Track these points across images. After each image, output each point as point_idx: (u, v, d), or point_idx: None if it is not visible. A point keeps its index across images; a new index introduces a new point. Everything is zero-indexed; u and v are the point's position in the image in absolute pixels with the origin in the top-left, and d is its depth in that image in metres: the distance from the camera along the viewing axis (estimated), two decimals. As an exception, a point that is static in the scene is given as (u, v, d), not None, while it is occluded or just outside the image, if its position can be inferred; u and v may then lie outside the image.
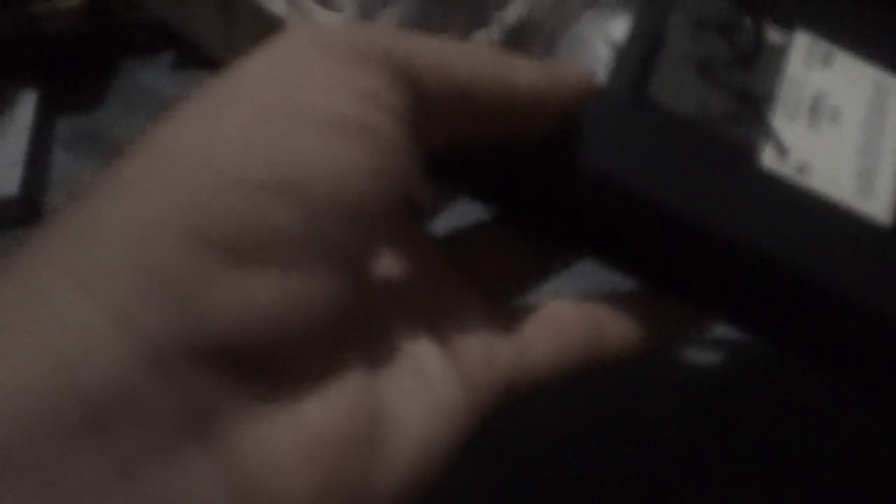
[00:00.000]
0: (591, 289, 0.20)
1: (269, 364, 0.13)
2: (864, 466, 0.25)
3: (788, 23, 0.21)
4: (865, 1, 0.22)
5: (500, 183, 0.20)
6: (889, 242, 0.19)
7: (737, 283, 0.19)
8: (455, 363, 0.17)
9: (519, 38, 0.21)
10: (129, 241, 0.12)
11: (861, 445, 0.25)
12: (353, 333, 0.15)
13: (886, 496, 0.24)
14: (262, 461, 0.13)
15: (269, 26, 0.24)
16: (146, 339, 0.12)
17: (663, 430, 0.25)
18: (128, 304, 0.12)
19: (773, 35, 0.21)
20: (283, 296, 0.13)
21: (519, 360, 0.18)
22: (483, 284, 0.19)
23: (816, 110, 0.20)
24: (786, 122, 0.20)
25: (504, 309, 0.19)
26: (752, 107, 0.20)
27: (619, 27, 0.20)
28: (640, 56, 0.20)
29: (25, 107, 0.38)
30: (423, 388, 0.16)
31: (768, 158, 0.19)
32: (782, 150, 0.20)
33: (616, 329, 0.19)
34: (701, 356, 0.27)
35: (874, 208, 0.19)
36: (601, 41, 0.20)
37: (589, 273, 0.21)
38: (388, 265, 0.18)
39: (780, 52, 0.21)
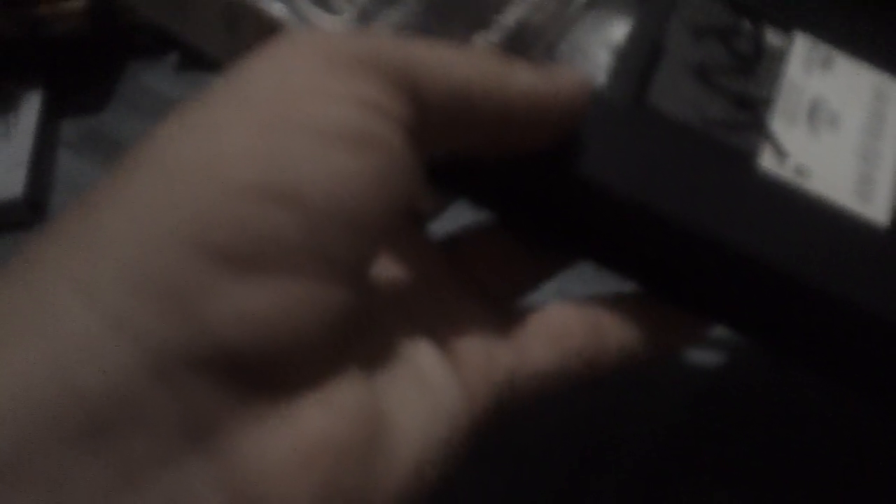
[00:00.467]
0: (592, 293, 0.20)
1: (270, 371, 0.13)
2: (863, 466, 0.25)
3: (788, 26, 0.21)
4: (865, 4, 0.22)
5: (499, 188, 0.20)
6: (888, 246, 0.19)
7: (736, 288, 0.19)
8: (455, 368, 0.17)
9: (518, 43, 0.21)
10: (130, 249, 0.12)
11: (860, 445, 0.25)
12: (352, 340, 0.15)
13: (886, 496, 0.24)
14: (261, 469, 0.13)
15: (269, 30, 0.24)
16: (147, 346, 0.12)
17: (661, 429, 0.26)
18: (129, 312, 0.12)
19: (773, 39, 0.21)
20: (284, 304, 0.13)
21: (519, 365, 0.18)
22: (482, 288, 0.19)
23: (816, 114, 0.20)
24: (785, 126, 0.20)
25: (504, 313, 0.19)
26: (752, 111, 0.20)
27: (618, 33, 0.20)
28: (640, 62, 0.20)
29: (30, 109, 0.38)
30: (423, 393, 0.16)
31: (767, 162, 0.19)
32: (781, 154, 0.20)
33: (617, 333, 0.19)
34: (699, 355, 0.27)
35: (873, 212, 0.19)
36: (601, 47, 0.20)
37: (590, 277, 0.21)
38: (387, 270, 0.18)
39: (780, 56, 0.21)
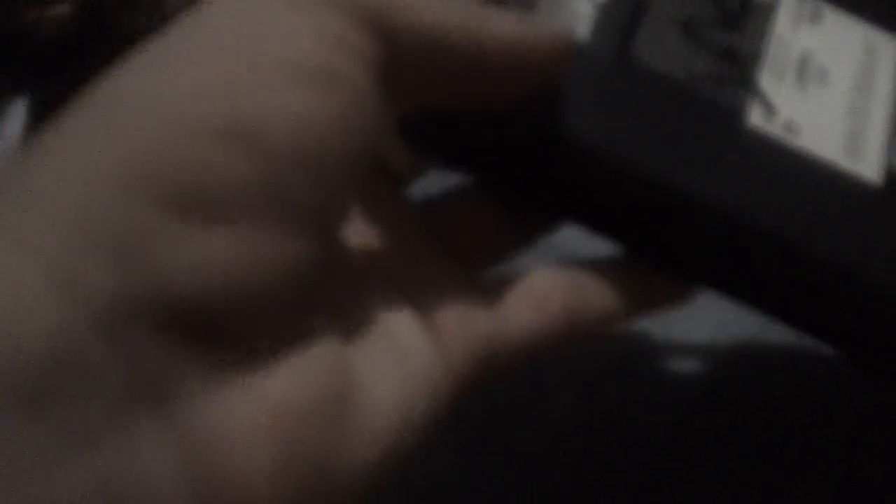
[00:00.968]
0: (571, 257, 0.19)
1: (229, 330, 0.12)
2: (859, 473, 0.25)
3: None
4: None
5: (477, 149, 0.19)
6: (878, 203, 0.18)
7: (723, 249, 0.18)
8: (432, 333, 0.16)
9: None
10: (70, 196, 0.11)
11: (858, 455, 0.25)
12: (321, 299, 0.14)
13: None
14: (221, 434, 0.12)
15: None
16: (90, 302, 0.11)
17: (656, 436, 0.25)
18: (69, 264, 0.11)
19: (760, -7, 0.20)
20: (242, 255, 0.12)
21: (499, 330, 0.17)
22: (461, 253, 0.18)
23: (804, 70, 0.20)
24: (773, 82, 0.19)
25: (483, 278, 0.18)
26: (739, 67, 0.19)
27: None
28: (624, 16, 0.19)
29: (16, 115, 0.37)
30: (398, 358, 0.15)
31: (755, 118, 0.19)
32: (769, 110, 0.19)
33: (598, 297, 0.18)
34: (693, 362, 0.26)
35: (864, 170, 0.19)
36: (583, 1, 0.19)
37: (570, 241, 0.20)
38: (361, 231, 0.17)
39: (768, 10, 0.20)
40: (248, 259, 0.12)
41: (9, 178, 0.12)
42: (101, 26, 0.36)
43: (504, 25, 0.16)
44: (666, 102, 0.18)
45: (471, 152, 0.19)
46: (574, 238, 0.20)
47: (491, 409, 0.25)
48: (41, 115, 0.37)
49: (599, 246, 0.19)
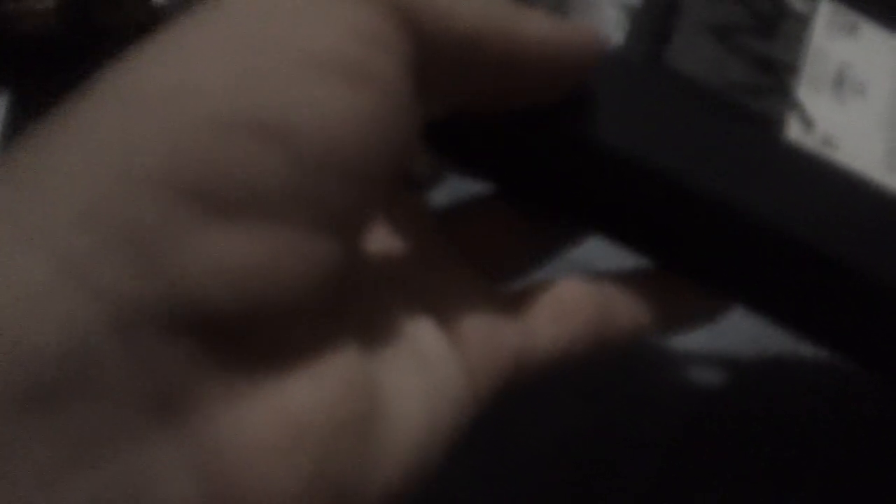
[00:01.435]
0: (601, 270, 0.18)
1: (251, 336, 0.11)
2: (867, 481, 0.24)
3: None
4: None
5: (502, 155, 0.18)
6: None
7: (757, 263, 0.18)
8: (456, 345, 0.15)
9: None
10: (88, 190, 0.10)
11: (865, 459, 0.24)
12: (345, 308, 0.13)
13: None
14: (240, 449, 0.11)
15: None
16: (107, 301, 0.10)
17: (664, 442, 0.25)
18: (86, 262, 0.10)
19: (796, 2, 0.20)
20: (267, 256, 0.11)
21: (524, 342, 0.16)
22: (485, 264, 0.18)
23: (842, 82, 0.19)
24: (811, 94, 0.19)
25: (507, 289, 0.17)
26: (775, 76, 0.19)
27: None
28: (656, 21, 0.18)
29: None
30: (423, 370, 0.14)
31: (793, 131, 0.18)
32: (808, 123, 0.18)
33: (627, 310, 0.18)
34: (702, 369, 0.26)
35: (904, 185, 0.18)
36: (614, 4, 0.19)
37: (598, 253, 0.19)
38: (384, 242, 0.17)
39: (804, 21, 0.20)
40: (272, 260, 0.11)
41: (17, 171, 0.11)
42: (85, 20, 0.35)
43: (539, 24, 0.15)
44: (701, 110, 0.18)
45: (496, 158, 0.19)
46: (594, 251, 0.20)
47: (498, 413, 0.25)
48: (22, 112, 0.36)
49: (622, 259, 0.19)
